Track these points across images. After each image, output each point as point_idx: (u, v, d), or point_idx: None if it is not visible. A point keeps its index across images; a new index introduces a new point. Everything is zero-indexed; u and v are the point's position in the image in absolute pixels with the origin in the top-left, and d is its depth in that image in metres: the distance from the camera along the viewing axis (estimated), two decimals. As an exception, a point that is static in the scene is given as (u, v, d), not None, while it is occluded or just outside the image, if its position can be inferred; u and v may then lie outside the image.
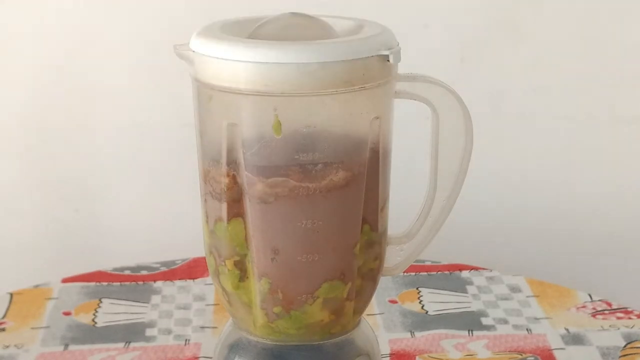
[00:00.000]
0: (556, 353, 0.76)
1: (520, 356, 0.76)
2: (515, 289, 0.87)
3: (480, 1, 1.02)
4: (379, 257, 0.63)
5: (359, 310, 0.63)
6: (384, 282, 0.85)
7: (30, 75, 1.05)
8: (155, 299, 0.86)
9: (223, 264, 0.61)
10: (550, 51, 1.03)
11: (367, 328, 0.65)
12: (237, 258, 0.60)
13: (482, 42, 1.03)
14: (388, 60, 0.57)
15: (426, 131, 0.62)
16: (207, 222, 0.61)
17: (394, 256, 0.64)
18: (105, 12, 1.04)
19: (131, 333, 0.80)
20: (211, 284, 0.87)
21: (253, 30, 0.60)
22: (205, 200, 0.61)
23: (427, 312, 0.83)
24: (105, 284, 0.88)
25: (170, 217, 1.09)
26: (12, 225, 1.10)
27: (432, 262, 0.92)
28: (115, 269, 0.91)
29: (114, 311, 0.84)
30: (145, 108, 1.07)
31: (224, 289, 0.62)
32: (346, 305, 0.62)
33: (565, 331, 0.79)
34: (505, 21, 1.03)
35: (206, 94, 0.58)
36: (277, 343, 0.62)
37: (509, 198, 1.08)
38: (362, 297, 0.63)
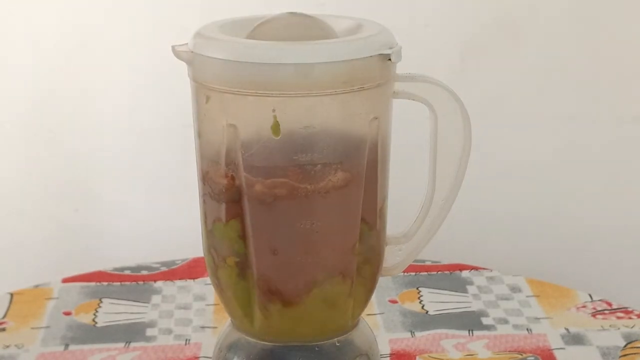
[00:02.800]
0: (556, 353, 0.76)
1: (520, 356, 0.76)
2: (515, 289, 0.87)
3: (481, 1, 1.02)
4: (378, 257, 0.63)
5: (358, 311, 0.63)
6: (384, 282, 0.85)
7: (30, 75, 1.05)
8: (156, 298, 0.86)
9: (221, 264, 0.61)
10: (550, 51, 1.03)
11: (366, 328, 0.65)
12: (235, 258, 0.60)
13: (482, 42, 1.03)
14: (389, 59, 0.57)
15: (425, 131, 0.62)
16: (205, 222, 0.61)
17: (393, 256, 0.64)
18: (105, 12, 1.04)
19: (131, 333, 0.80)
20: (211, 283, 0.87)
21: (252, 30, 0.60)
22: (204, 200, 0.61)
23: (427, 312, 0.83)
24: (105, 283, 0.88)
25: (170, 217, 1.09)
26: (12, 225, 1.10)
27: (432, 262, 0.92)
28: (116, 269, 0.91)
29: (114, 311, 0.84)
30: (145, 108, 1.07)
31: (222, 289, 0.62)
32: (345, 305, 0.62)
33: (565, 331, 0.79)
34: (506, 21, 1.02)
35: (204, 95, 0.58)
36: (276, 343, 0.62)
37: (509, 198, 1.08)
38: (361, 297, 0.63)
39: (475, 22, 1.02)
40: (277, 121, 0.56)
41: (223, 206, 0.59)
